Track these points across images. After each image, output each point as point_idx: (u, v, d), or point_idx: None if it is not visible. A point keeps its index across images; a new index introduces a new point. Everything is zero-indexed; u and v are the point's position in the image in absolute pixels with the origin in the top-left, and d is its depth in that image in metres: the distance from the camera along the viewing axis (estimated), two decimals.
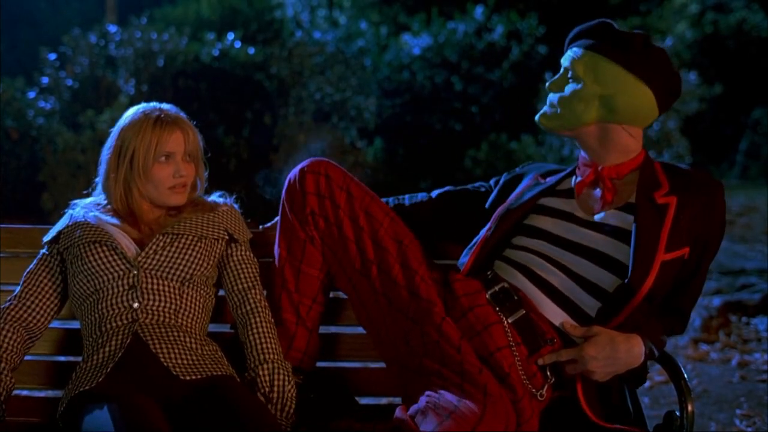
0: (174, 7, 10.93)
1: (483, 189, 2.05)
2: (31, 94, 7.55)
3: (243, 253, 1.92)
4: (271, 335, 1.82)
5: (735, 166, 11.42)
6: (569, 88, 1.81)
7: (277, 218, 2.02)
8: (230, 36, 7.88)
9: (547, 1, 11.33)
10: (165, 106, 1.89)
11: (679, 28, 11.97)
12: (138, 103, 1.97)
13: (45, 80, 7.69)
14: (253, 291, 1.88)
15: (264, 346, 1.79)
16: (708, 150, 10.80)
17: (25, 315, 1.82)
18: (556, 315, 1.75)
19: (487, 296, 1.79)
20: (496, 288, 1.79)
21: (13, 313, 1.82)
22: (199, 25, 9.73)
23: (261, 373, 1.76)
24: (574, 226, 1.81)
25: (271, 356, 1.78)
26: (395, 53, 9.75)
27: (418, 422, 1.57)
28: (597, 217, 1.80)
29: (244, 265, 1.91)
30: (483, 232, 1.90)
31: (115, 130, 1.88)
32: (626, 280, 1.69)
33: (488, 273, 1.83)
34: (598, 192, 1.83)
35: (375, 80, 9.17)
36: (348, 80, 8.01)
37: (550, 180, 1.93)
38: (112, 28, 7.94)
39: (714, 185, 1.77)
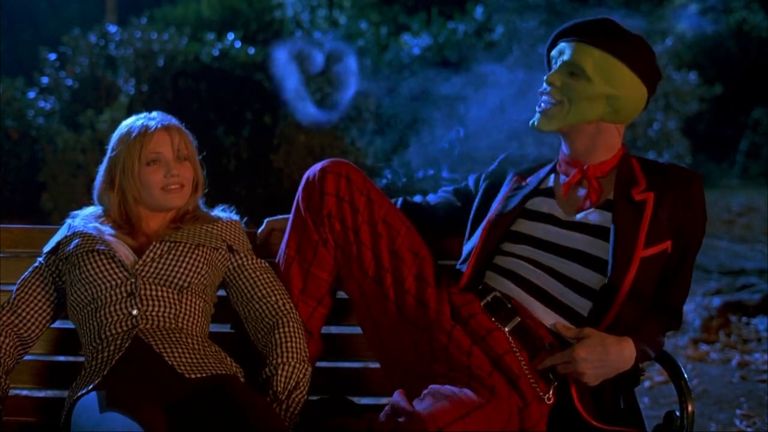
0: (174, 7, 10.93)
1: (470, 186, 2.06)
2: (31, 94, 7.55)
3: (253, 261, 1.91)
4: (298, 337, 1.81)
5: (735, 166, 11.42)
6: (577, 85, 1.78)
7: (267, 221, 2.00)
8: (230, 36, 7.87)
9: (547, 2, 11.32)
10: (153, 113, 1.92)
11: (679, 28, 11.96)
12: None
13: (45, 80, 7.68)
14: (275, 296, 1.86)
15: (288, 346, 1.79)
16: (708, 150, 10.78)
17: (17, 321, 1.83)
18: (549, 318, 1.75)
19: (481, 306, 1.79)
20: (489, 298, 1.80)
21: (4, 318, 1.82)
22: (199, 25, 9.72)
23: (280, 372, 1.76)
24: (555, 228, 1.81)
25: (295, 357, 1.78)
26: (395, 53, 9.74)
27: (414, 405, 1.57)
28: (578, 217, 1.80)
29: (259, 273, 1.89)
30: (474, 243, 1.89)
31: (109, 145, 1.91)
32: (607, 279, 1.69)
33: (479, 286, 1.84)
34: (581, 191, 1.83)
35: (375, 80, 9.16)
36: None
37: (532, 181, 1.92)
38: (112, 28, 7.93)
39: (691, 178, 1.77)
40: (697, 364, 3.94)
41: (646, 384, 3.63)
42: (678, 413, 1.73)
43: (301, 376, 1.78)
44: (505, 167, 2.00)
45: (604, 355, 1.65)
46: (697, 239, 1.78)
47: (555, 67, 1.82)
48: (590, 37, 1.78)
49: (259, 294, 1.87)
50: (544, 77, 1.83)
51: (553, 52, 1.84)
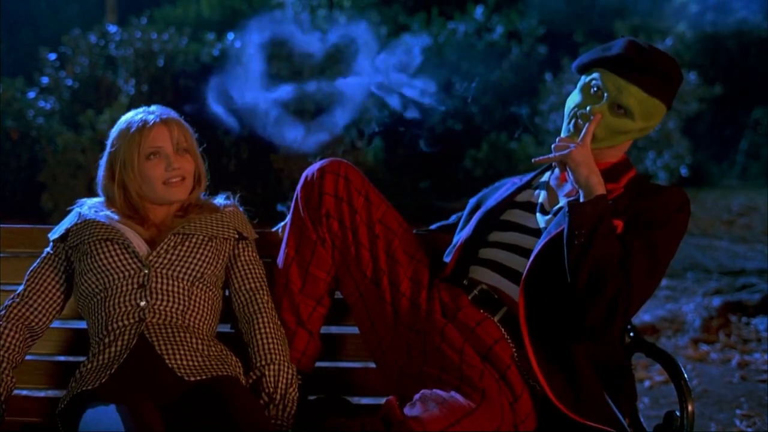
0: (174, 7, 10.94)
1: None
2: (31, 94, 7.55)
3: (250, 254, 1.92)
4: (277, 336, 1.82)
5: (735, 166, 11.42)
6: (619, 122, 1.78)
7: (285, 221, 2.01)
8: (230, 36, 7.88)
9: (547, 2, 11.33)
10: (152, 107, 1.92)
11: (679, 28, 11.97)
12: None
13: (45, 80, 7.69)
14: (260, 292, 1.88)
15: (270, 346, 1.80)
16: (708, 150, 10.79)
17: (28, 314, 1.83)
18: None
19: (468, 299, 1.81)
20: (476, 291, 1.82)
21: (15, 311, 1.82)
22: (199, 25, 9.73)
23: (267, 373, 1.77)
24: (540, 214, 1.85)
25: (278, 357, 1.79)
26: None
27: (405, 412, 1.58)
28: (561, 203, 1.83)
29: (252, 266, 1.91)
30: (464, 233, 1.92)
31: (109, 138, 1.91)
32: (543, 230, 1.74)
33: (464, 281, 1.85)
34: (568, 185, 1.85)
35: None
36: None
37: (526, 177, 1.97)
38: (112, 28, 7.94)
39: (667, 187, 1.78)
40: (697, 364, 3.94)
41: (646, 384, 3.63)
42: (678, 413, 1.73)
43: (290, 374, 1.79)
44: (503, 182, 2.05)
45: (590, 161, 1.72)
46: (655, 238, 1.71)
47: (603, 99, 1.79)
48: (638, 80, 1.76)
49: (247, 286, 1.88)
50: (586, 106, 1.80)
51: (594, 76, 1.81)
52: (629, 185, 1.81)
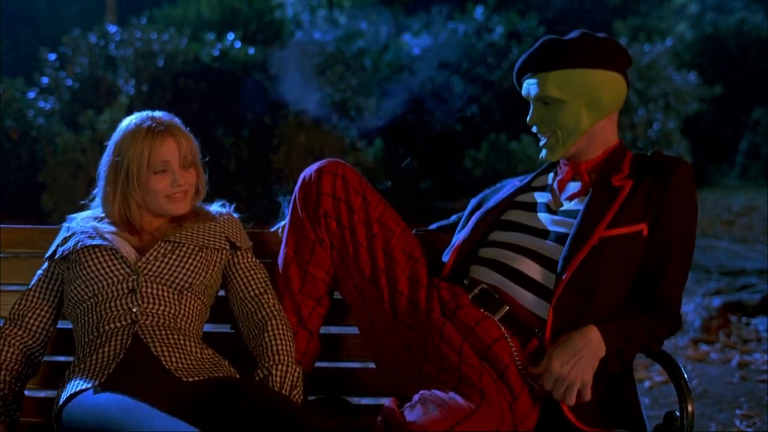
0: (174, 7, 10.93)
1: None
2: (31, 94, 7.56)
3: (249, 259, 1.91)
4: (287, 338, 1.82)
5: (735, 166, 11.41)
6: (555, 112, 1.83)
7: (285, 221, 2.01)
8: (230, 36, 7.89)
9: (547, 2, 11.33)
10: (157, 114, 1.87)
11: (679, 28, 11.97)
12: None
13: (45, 80, 7.70)
14: (266, 296, 1.87)
15: (280, 348, 1.79)
16: (708, 150, 10.78)
17: (20, 333, 1.83)
18: (534, 304, 1.76)
19: (469, 298, 1.81)
20: (476, 291, 1.82)
21: (7, 332, 1.83)
22: (199, 25, 9.73)
23: (274, 373, 1.76)
24: (545, 214, 1.85)
25: (286, 358, 1.78)
26: (395, 53, 9.74)
27: (405, 415, 1.58)
28: (566, 206, 1.84)
29: (253, 272, 1.90)
30: (463, 233, 1.93)
31: (110, 143, 1.87)
32: (563, 252, 1.73)
33: (464, 281, 1.85)
34: (573, 186, 1.86)
35: (375, 80, 9.17)
36: (348, 80, 8.02)
37: (526, 178, 1.98)
38: (112, 29, 7.95)
39: (672, 162, 1.78)
40: (697, 364, 3.94)
41: (646, 384, 3.64)
42: (678, 413, 1.72)
43: (296, 376, 1.79)
44: (504, 184, 2.06)
45: (571, 348, 1.65)
46: (680, 225, 1.76)
47: (531, 107, 1.88)
48: (540, 65, 1.84)
49: (252, 293, 1.87)
50: (530, 123, 1.89)
51: (524, 93, 1.91)
52: (632, 170, 1.81)
